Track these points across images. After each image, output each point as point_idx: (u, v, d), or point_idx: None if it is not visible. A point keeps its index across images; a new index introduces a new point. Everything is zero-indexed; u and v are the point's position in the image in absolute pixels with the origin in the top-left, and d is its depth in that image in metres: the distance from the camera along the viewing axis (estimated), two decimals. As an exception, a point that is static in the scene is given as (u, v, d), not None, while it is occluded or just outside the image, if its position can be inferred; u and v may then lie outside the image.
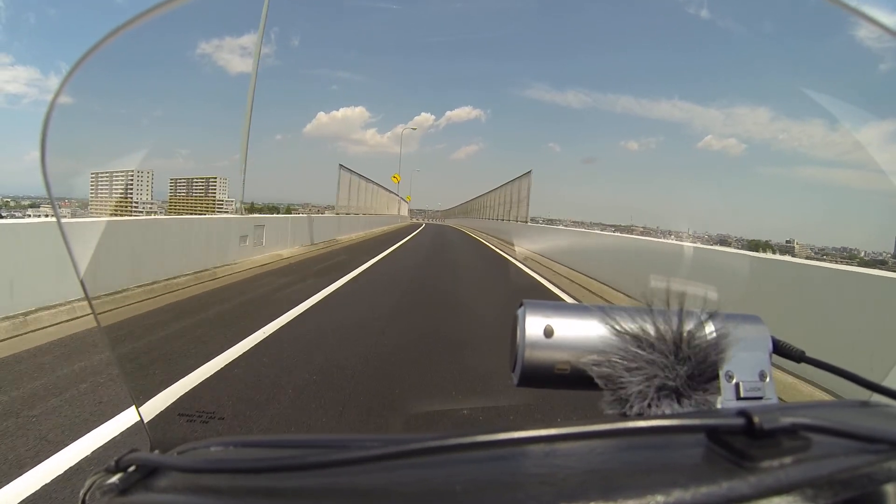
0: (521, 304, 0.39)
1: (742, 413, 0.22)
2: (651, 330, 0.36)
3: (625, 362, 0.35)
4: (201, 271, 5.99)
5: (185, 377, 2.71)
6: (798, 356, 0.42)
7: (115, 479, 0.32)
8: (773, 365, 0.38)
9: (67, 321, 3.73)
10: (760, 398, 0.36)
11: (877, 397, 0.39)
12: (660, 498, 0.18)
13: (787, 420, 0.22)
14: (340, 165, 17.40)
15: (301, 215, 11.04)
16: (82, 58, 0.47)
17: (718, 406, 0.35)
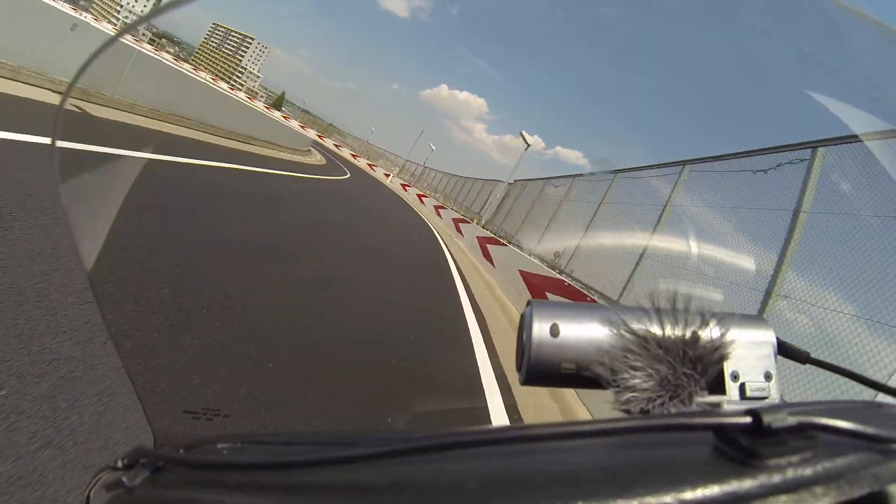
0: (528, 304, 0.40)
1: (750, 412, 0.22)
2: (657, 330, 0.36)
3: (630, 362, 0.35)
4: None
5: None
6: (803, 357, 0.42)
7: (120, 475, 0.32)
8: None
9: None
10: (765, 398, 0.36)
11: (882, 397, 0.39)
12: (670, 495, 0.18)
13: (794, 419, 0.22)
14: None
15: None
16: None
17: (724, 407, 0.35)
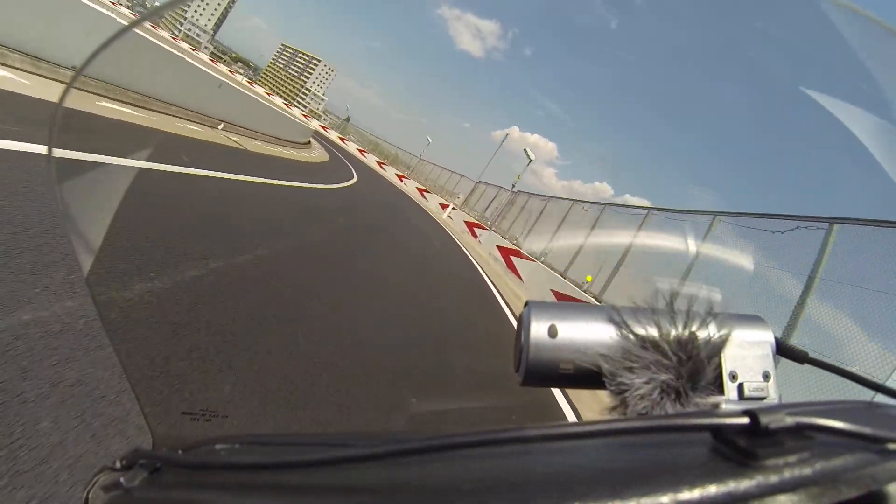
0: (526, 304, 0.39)
1: (747, 412, 0.22)
2: (655, 330, 0.36)
3: (629, 362, 0.35)
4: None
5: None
6: (801, 357, 0.42)
7: (119, 476, 0.32)
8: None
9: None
10: (764, 398, 0.36)
11: (880, 398, 0.39)
12: (667, 496, 0.18)
13: (791, 419, 0.22)
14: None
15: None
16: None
17: (722, 406, 0.35)
